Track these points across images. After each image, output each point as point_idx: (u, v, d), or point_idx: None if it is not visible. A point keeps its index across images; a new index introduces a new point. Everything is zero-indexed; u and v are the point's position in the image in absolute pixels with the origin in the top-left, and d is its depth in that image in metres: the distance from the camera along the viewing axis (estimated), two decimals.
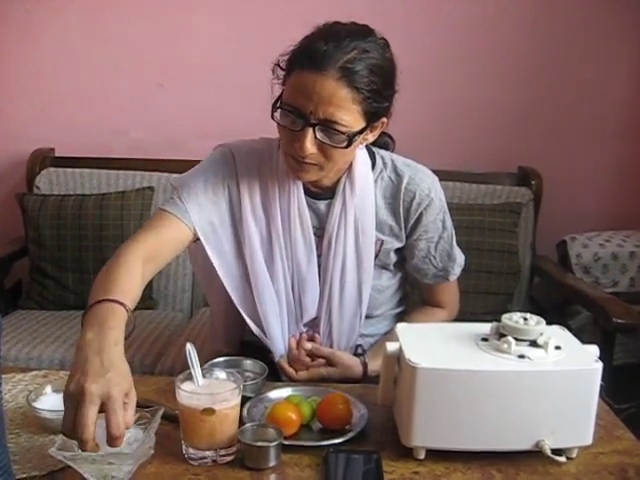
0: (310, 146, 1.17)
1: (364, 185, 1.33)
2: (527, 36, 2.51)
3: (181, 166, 2.43)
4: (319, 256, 1.35)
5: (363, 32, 1.19)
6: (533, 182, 2.44)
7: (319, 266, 1.35)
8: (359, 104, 1.16)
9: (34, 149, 2.56)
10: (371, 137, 1.27)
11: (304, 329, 1.39)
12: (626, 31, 2.51)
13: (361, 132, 1.20)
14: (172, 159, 2.51)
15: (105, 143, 2.61)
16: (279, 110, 1.20)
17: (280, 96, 1.21)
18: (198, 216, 1.29)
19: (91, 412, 0.84)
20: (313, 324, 1.39)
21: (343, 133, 1.16)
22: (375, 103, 1.18)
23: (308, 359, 1.34)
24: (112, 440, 0.84)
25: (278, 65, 1.23)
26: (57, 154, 2.60)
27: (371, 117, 1.20)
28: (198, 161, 2.37)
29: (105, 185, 2.46)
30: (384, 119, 1.25)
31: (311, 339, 1.36)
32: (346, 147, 1.18)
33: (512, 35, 2.51)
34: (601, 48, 2.52)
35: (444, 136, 2.52)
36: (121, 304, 1.05)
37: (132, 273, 1.17)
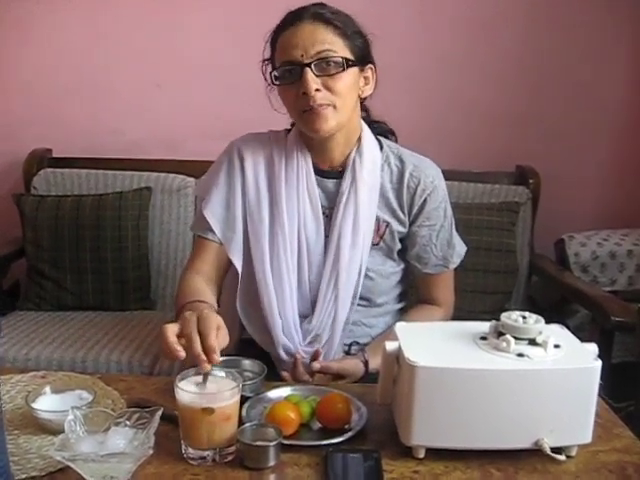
0: (313, 84, 1.25)
1: (373, 160, 1.38)
2: (525, 36, 2.51)
3: (179, 166, 2.48)
4: (326, 237, 1.37)
5: (321, 2, 1.35)
6: (531, 181, 2.44)
7: (325, 247, 1.37)
8: (340, 36, 1.28)
9: (31, 150, 2.55)
10: (367, 89, 1.36)
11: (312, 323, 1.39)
12: (623, 31, 2.52)
13: (354, 64, 1.29)
14: (170, 159, 2.52)
15: (102, 143, 2.61)
16: (278, 79, 1.29)
17: (273, 69, 1.32)
18: (222, 232, 1.38)
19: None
20: (313, 309, 1.38)
21: (337, 59, 1.26)
22: (353, 36, 1.30)
23: (308, 377, 1.32)
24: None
25: (266, 60, 1.34)
26: (54, 155, 2.59)
27: (357, 53, 1.30)
28: (196, 161, 2.37)
29: (102, 186, 2.45)
30: (371, 65, 1.35)
31: (314, 357, 1.34)
32: (343, 70, 1.27)
33: (510, 35, 2.51)
34: (598, 48, 2.52)
35: (442, 135, 2.52)
36: (198, 301, 1.21)
37: (199, 287, 1.32)
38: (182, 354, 1.02)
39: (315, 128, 1.30)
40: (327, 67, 1.26)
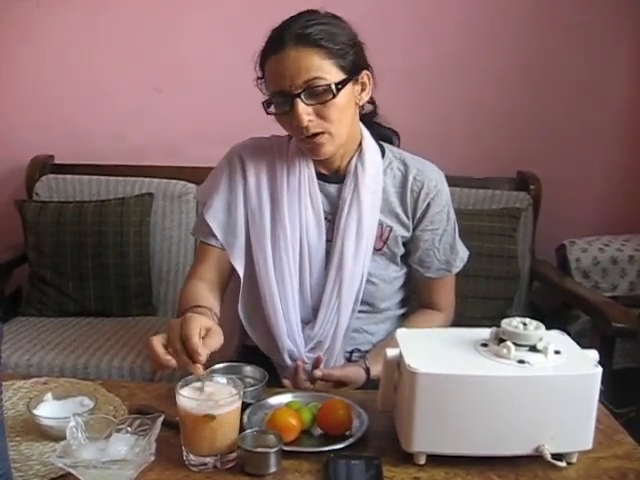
0: (305, 114, 1.24)
1: (375, 165, 1.38)
2: (526, 41, 2.51)
3: (180, 172, 2.48)
4: (328, 241, 1.37)
5: (309, 11, 1.30)
6: (532, 187, 2.44)
7: (326, 252, 1.37)
8: (327, 57, 1.24)
9: (33, 156, 2.56)
10: (365, 95, 1.34)
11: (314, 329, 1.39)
12: (625, 31, 2.52)
13: (345, 83, 1.25)
14: (171, 165, 2.52)
15: (104, 149, 2.62)
16: (271, 106, 1.28)
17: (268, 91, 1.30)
18: (224, 237, 1.38)
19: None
20: (316, 314, 1.38)
21: (326, 86, 1.23)
22: (341, 51, 1.25)
23: (309, 384, 1.32)
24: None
25: (258, 77, 1.33)
26: (56, 161, 2.60)
27: (348, 67, 1.27)
28: (197, 168, 2.36)
29: (104, 192, 2.46)
30: (366, 72, 1.31)
31: (316, 365, 1.34)
32: (334, 97, 1.23)
33: (511, 40, 2.51)
34: (600, 51, 2.52)
35: (443, 141, 2.51)
36: (197, 307, 1.23)
37: (200, 293, 1.33)
38: (173, 362, 1.02)
39: (314, 155, 1.32)
40: (317, 96, 1.23)
